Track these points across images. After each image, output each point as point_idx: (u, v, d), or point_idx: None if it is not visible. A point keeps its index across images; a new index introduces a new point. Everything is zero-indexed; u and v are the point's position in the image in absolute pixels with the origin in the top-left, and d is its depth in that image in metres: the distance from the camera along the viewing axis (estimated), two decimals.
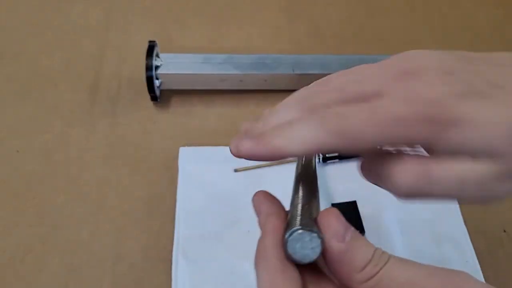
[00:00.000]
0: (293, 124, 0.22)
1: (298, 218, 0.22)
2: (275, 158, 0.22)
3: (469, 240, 0.43)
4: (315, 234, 0.21)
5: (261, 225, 0.23)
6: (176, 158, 0.46)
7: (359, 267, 0.20)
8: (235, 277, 0.40)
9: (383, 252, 0.21)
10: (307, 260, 0.21)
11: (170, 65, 0.50)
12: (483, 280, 0.40)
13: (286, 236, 0.21)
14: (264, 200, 0.24)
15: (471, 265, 0.41)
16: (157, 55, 0.50)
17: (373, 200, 0.44)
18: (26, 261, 0.41)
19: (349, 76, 0.24)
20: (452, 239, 0.43)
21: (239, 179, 0.46)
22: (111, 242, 0.42)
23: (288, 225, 0.22)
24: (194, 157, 0.47)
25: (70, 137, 0.48)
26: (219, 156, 0.46)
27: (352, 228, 0.21)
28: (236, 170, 0.46)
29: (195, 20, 0.60)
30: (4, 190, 0.45)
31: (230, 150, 0.23)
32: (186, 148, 0.47)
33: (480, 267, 0.41)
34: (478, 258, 0.42)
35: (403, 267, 0.20)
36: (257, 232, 0.46)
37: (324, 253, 0.21)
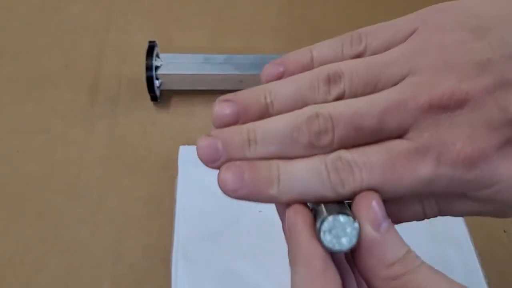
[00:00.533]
0: (292, 169, 0.19)
1: (328, 205, 0.20)
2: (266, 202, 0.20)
3: (470, 240, 0.43)
4: (351, 219, 0.19)
5: (290, 221, 0.20)
6: (176, 158, 0.46)
7: (387, 263, 0.18)
8: (235, 278, 0.40)
9: (417, 257, 0.19)
10: (342, 248, 0.19)
11: (170, 65, 0.50)
12: (484, 280, 0.40)
13: (318, 224, 0.19)
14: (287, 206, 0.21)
15: (471, 266, 0.41)
16: (157, 55, 0.50)
17: None
18: (26, 261, 0.41)
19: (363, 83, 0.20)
20: (452, 239, 0.43)
21: None
22: (111, 242, 0.42)
23: (317, 214, 0.20)
24: (194, 156, 0.46)
25: (70, 137, 0.48)
26: None
27: (389, 220, 0.19)
28: None
29: (195, 20, 0.60)
30: (4, 190, 0.45)
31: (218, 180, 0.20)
32: (186, 147, 0.47)
33: (481, 267, 0.41)
34: (478, 259, 0.42)
35: (435, 279, 0.18)
36: (257, 233, 0.46)
37: None
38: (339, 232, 0.19)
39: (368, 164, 0.19)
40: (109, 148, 0.48)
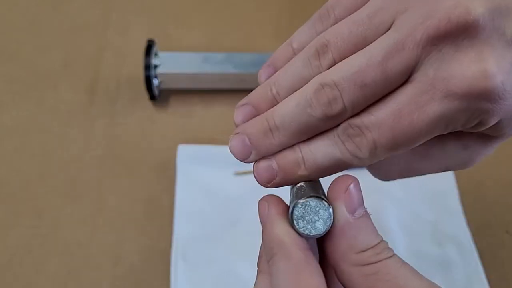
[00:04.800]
0: (313, 148, 0.20)
1: (301, 188, 0.20)
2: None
3: (471, 241, 0.42)
4: (322, 202, 0.19)
5: (262, 213, 0.21)
6: (175, 158, 0.46)
7: (358, 248, 0.18)
8: (234, 279, 0.39)
9: (389, 248, 0.19)
10: (318, 233, 0.19)
11: (169, 64, 0.50)
12: (485, 281, 0.40)
13: (290, 210, 0.19)
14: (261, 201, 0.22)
15: (473, 266, 0.41)
16: (156, 54, 0.50)
17: (374, 201, 0.43)
18: (25, 262, 0.40)
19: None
20: (454, 240, 0.42)
21: (239, 180, 0.45)
22: (110, 243, 0.42)
23: (290, 202, 0.20)
24: (193, 156, 0.46)
25: (69, 137, 0.48)
26: (219, 156, 0.46)
27: (365, 208, 0.19)
28: (235, 174, 0.45)
29: (194, 18, 0.60)
30: (2, 190, 0.44)
31: (255, 176, 0.21)
32: (185, 145, 0.47)
33: (483, 268, 0.41)
34: (480, 259, 0.41)
35: (405, 271, 0.18)
36: (256, 234, 0.45)
37: None
38: (312, 216, 0.19)
39: (375, 122, 0.19)
40: (108, 148, 0.47)
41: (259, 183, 0.21)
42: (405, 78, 0.18)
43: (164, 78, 0.50)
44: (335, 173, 0.21)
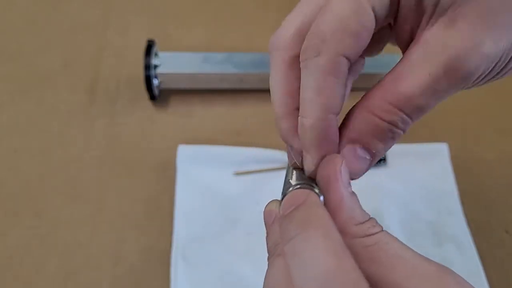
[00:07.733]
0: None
1: (287, 184, 0.21)
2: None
3: (471, 241, 0.42)
4: (315, 189, 0.20)
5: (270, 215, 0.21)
6: (175, 158, 0.46)
7: (357, 220, 0.19)
8: (234, 279, 0.39)
9: (378, 223, 0.20)
10: None
11: (169, 64, 0.50)
12: (485, 281, 0.40)
13: (282, 198, 0.20)
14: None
15: (473, 266, 0.41)
16: (156, 54, 0.50)
17: (373, 200, 0.43)
18: (25, 262, 0.40)
19: None
20: (454, 240, 0.42)
21: (239, 180, 0.45)
22: (110, 243, 0.42)
23: (283, 190, 0.21)
24: (193, 156, 0.46)
25: (68, 137, 0.48)
26: (219, 156, 0.46)
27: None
28: (235, 174, 0.45)
29: (194, 18, 0.60)
30: (2, 190, 0.44)
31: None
32: (185, 146, 0.47)
33: (483, 268, 0.41)
34: (480, 259, 0.41)
35: (399, 243, 0.19)
36: (256, 234, 0.45)
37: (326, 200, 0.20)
38: None
39: None
40: (107, 148, 0.47)
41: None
42: None
43: (164, 78, 0.50)
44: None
